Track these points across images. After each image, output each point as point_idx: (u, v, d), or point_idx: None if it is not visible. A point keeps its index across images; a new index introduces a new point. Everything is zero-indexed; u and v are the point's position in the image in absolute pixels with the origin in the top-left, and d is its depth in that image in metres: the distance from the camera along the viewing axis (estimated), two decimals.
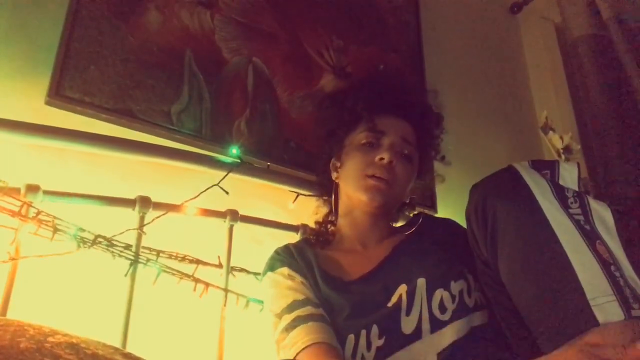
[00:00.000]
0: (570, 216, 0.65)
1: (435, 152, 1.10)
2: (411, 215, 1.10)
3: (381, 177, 0.92)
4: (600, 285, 0.59)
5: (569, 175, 0.73)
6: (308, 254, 0.95)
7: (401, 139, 0.97)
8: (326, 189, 1.09)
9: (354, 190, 0.96)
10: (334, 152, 1.05)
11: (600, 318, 0.56)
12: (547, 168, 0.73)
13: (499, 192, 0.72)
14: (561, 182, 0.72)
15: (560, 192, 0.69)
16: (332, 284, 0.89)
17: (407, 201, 1.07)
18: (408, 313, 0.81)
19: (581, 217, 0.66)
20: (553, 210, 0.66)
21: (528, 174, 0.71)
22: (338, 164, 1.03)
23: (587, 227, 0.65)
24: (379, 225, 0.99)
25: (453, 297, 0.82)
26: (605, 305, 0.57)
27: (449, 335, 0.78)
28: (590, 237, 0.64)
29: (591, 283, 0.59)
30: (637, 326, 0.57)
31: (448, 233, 0.97)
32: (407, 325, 0.80)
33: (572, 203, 0.67)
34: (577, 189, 0.71)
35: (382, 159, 0.93)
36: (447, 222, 1.03)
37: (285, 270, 0.91)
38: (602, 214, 0.68)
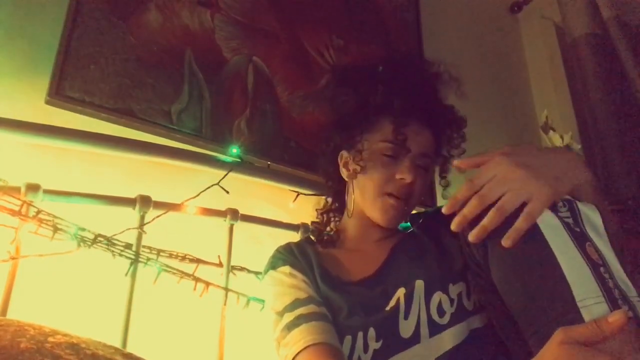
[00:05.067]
0: (560, 219, 0.65)
1: (450, 158, 1.02)
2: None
3: (399, 197, 0.91)
4: (589, 287, 0.58)
5: None
6: (309, 253, 0.95)
7: (422, 154, 0.93)
8: (331, 182, 1.05)
9: (370, 208, 0.94)
10: (345, 144, 0.99)
11: (588, 319, 0.56)
12: None
13: None
14: None
15: None
16: (331, 283, 0.88)
17: None
18: (406, 317, 0.81)
19: (570, 220, 0.66)
20: (542, 213, 0.66)
21: None
22: (349, 161, 0.97)
23: (577, 229, 0.65)
24: (383, 227, 0.98)
25: (452, 300, 0.81)
26: (593, 307, 0.57)
27: (447, 339, 0.78)
28: (580, 239, 0.63)
29: (580, 285, 0.59)
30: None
31: (449, 230, 0.96)
32: (405, 329, 0.80)
33: (561, 207, 0.67)
34: None
35: (403, 179, 0.90)
36: (447, 217, 1.00)
37: (287, 268, 0.91)
38: (591, 217, 0.67)
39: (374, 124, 0.94)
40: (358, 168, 0.94)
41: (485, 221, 0.65)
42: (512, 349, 0.74)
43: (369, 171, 0.93)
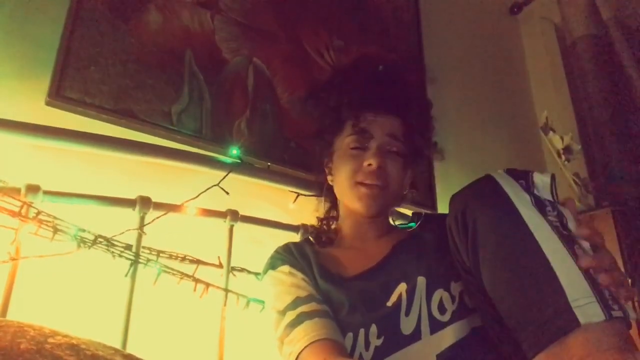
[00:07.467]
0: (549, 222, 0.66)
1: (426, 141, 1.05)
2: (411, 213, 1.09)
3: (372, 184, 0.92)
4: (581, 287, 0.60)
5: (542, 185, 0.72)
6: (307, 252, 0.95)
7: (388, 137, 0.95)
8: (326, 192, 1.08)
9: (348, 200, 0.97)
10: (325, 153, 1.04)
11: (582, 319, 0.57)
12: (522, 178, 0.73)
13: (479, 201, 0.71)
14: (535, 192, 0.72)
15: (537, 200, 0.69)
16: (331, 279, 0.89)
17: (405, 193, 1.04)
18: (407, 313, 0.81)
19: (559, 224, 0.67)
20: (532, 217, 0.66)
21: (506, 182, 0.71)
22: (330, 167, 1.02)
23: (565, 232, 0.66)
24: (377, 222, 0.99)
25: (453, 297, 0.81)
26: (586, 307, 0.58)
27: (448, 337, 0.78)
28: (569, 241, 0.65)
29: (572, 285, 0.60)
30: (617, 326, 0.58)
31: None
32: (407, 325, 0.80)
33: (549, 211, 0.68)
34: (551, 199, 0.71)
35: (370, 164, 0.92)
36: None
37: (286, 268, 0.92)
38: (571, 219, 0.69)
39: (339, 126, 1.00)
40: (330, 166, 1.01)
41: (626, 295, 0.64)
42: (504, 352, 0.74)
43: (341, 167, 0.97)
